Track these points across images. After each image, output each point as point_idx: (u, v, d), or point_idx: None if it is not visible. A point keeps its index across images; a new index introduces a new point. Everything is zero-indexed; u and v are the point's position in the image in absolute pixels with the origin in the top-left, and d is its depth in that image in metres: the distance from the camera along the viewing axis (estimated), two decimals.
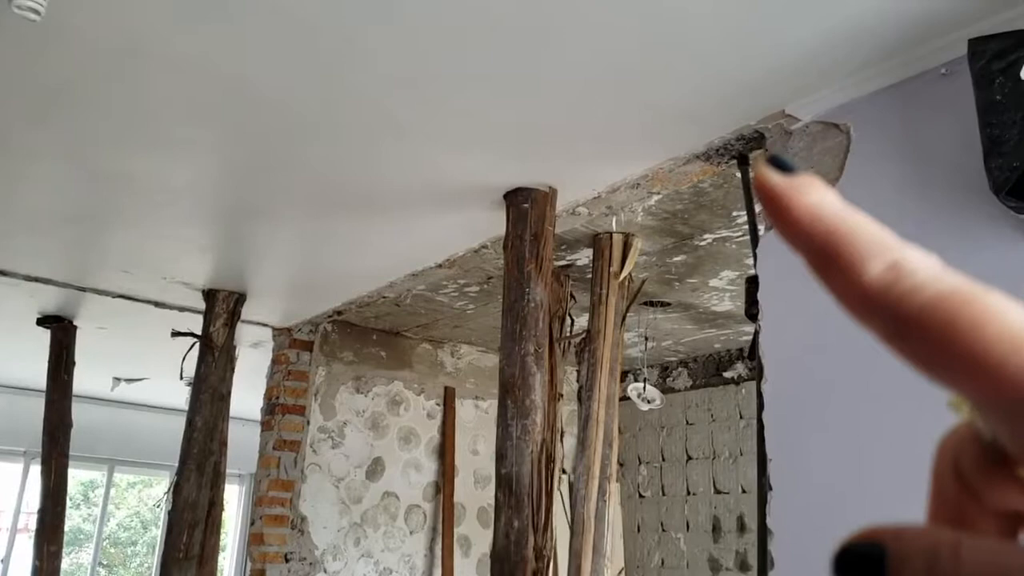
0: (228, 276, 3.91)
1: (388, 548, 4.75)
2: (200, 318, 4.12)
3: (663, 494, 5.38)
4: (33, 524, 4.73)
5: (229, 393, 4.08)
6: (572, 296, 3.52)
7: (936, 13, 1.77)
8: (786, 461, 1.99)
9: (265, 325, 4.71)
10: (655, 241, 3.42)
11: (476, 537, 5.04)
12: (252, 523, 4.48)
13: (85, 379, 5.38)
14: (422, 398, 5.09)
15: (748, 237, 2.76)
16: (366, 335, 4.93)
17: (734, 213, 3.11)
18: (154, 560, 8.54)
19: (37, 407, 4.62)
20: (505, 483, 2.51)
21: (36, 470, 4.78)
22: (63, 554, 4.44)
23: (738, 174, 2.55)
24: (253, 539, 4.42)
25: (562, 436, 3.60)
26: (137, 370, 6.16)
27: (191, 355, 4.17)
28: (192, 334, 4.15)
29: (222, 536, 4.29)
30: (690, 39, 1.90)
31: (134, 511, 10.13)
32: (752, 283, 2.30)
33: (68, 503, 4.72)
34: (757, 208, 2.39)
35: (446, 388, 5.19)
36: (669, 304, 4.26)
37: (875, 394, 1.83)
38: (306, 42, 1.98)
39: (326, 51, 2.01)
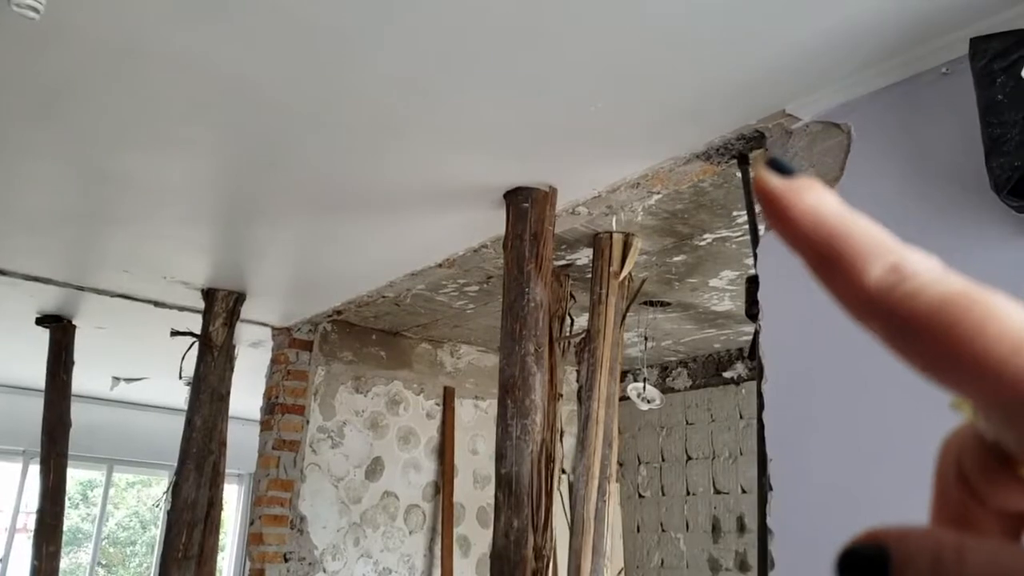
0: (227, 275, 3.91)
1: (387, 548, 4.75)
2: (199, 317, 4.11)
3: (663, 494, 5.38)
4: (32, 524, 4.72)
5: (228, 393, 4.08)
6: (572, 296, 3.52)
7: (937, 12, 1.77)
8: (786, 461, 1.99)
9: (264, 324, 4.71)
10: (655, 241, 3.42)
11: (475, 537, 5.04)
12: (251, 523, 4.48)
13: (84, 379, 5.38)
14: (421, 398, 5.09)
15: (748, 237, 2.76)
16: (366, 335, 4.93)
17: (734, 213, 3.11)
18: (153, 560, 8.53)
19: (36, 407, 4.61)
20: (505, 483, 2.51)
21: (35, 470, 4.78)
22: (62, 554, 4.44)
23: (738, 174, 2.55)
24: (252, 539, 4.42)
25: (562, 436, 3.60)
26: (136, 370, 6.16)
27: (190, 355, 4.17)
28: (191, 333, 4.15)
29: (221, 536, 4.29)
30: (690, 39, 1.90)
31: (133, 511, 10.13)
32: (752, 283, 2.30)
33: (67, 503, 4.73)
34: (757, 208, 2.39)
35: (445, 388, 5.19)
36: (669, 304, 4.26)
37: (875, 394, 1.83)
38: (306, 42, 1.98)
39: (326, 51, 2.01)
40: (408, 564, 4.79)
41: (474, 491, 5.13)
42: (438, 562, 4.86)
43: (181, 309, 4.37)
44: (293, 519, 4.46)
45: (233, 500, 8.06)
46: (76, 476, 8.42)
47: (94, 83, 2.20)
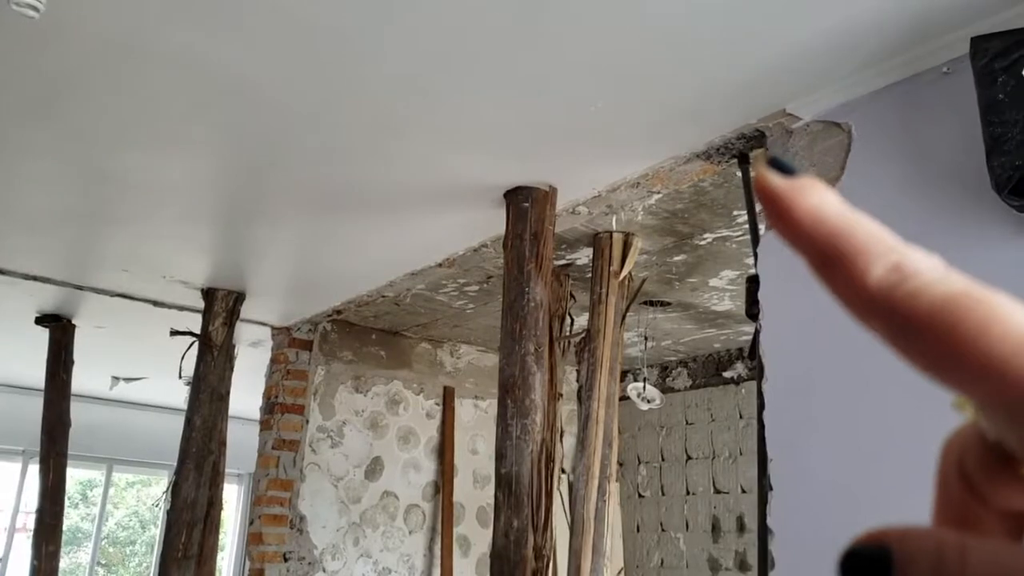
0: (227, 275, 3.91)
1: (387, 548, 4.75)
2: (199, 317, 4.11)
3: (663, 494, 5.38)
4: (31, 523, 4.72)
5: (228, 392, 4.08)
6: (572, 295, 3.52)
7: (937, 12, 1.77)
8: (786, 461, 1.99)
9: (264, 324, 4.71)
10: (655, 240, 3.42)
11: (475, 537, 5.04)
12: (251, 522, 4.48)
13: (84, 378, 5.38)
14: (421, 398, 5.09)
15: (748, 236, 2.76)
16: (365, 334, 4.93)
17: (734, 212, 3.11)
18: (153, 559, 8.53)
19: (35, 406, 4.61)
20: (505, 483, 2.51)
21: (34, 469, 4.78)
22: (61, 553, 4.44)
23: (739, 173, 2.55)
24: (252, 538, 4.42)
25: (562, 436, 3.60)
26: (136, 369, 6.16)
27: (190, 354, 4.17)
28: (191, 333, 4.15)
29: (221, 535, 4.29)
30: (690, 39, 1.90)
31: (133, 510, 10.13)
32: (752, 283, 2.30)
33: (67, 502, 4.72)
34: (758, 207, 2.39)
35: (445, 388, 5.19)
36: (669, 304, 4.26)
37: (876, 394, 1.83)
38: (306, 42, 1.98)
39: (326, 51, 2.01)
40: (408, 564, 4.79)
41: (474, 491, 5.13)
42: (438, 562, 4.86)
43: (181, 309, 4.37)
44: (293, 519, 4.46)
45: (233, 500, 8.07)
46: (76, 476, 8.42)
47: (94, 82, 2.19)
